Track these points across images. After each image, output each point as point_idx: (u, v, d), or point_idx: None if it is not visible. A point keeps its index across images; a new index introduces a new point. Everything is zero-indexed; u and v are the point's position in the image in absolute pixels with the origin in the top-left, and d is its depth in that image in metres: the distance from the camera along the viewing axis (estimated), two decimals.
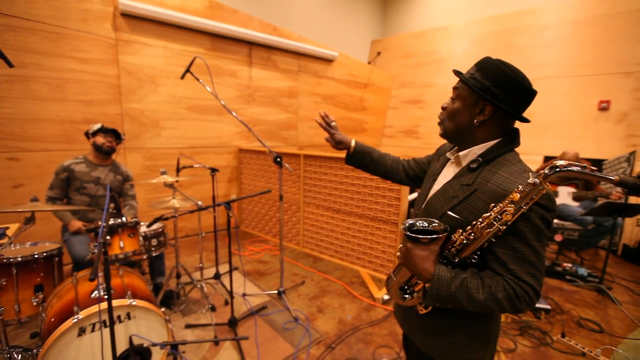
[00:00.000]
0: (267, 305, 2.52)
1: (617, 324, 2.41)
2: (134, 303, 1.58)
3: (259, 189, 4.09)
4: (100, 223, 1.93)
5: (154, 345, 1.62)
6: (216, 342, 2.07)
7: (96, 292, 1.62)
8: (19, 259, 1.72)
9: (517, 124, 0.89)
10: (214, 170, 2.66)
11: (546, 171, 0.71)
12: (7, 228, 1.90)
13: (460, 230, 0.82)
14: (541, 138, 4.64)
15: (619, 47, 4.11)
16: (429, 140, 6.02)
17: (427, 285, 0.83)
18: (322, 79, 5.31)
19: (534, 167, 0.83)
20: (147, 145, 3.55)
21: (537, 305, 2.46)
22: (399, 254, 0.89)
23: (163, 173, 2.33)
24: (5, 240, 1.70)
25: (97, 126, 2.38)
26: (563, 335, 2.15)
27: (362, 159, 1.25)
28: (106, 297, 1.28)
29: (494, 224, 0.75)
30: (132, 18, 3.26)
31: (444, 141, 1.02)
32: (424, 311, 0.92)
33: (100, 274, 1.68)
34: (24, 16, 2.68)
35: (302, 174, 3.59)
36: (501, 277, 0.79)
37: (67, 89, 2.97)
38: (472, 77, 0.85)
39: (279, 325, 2.28)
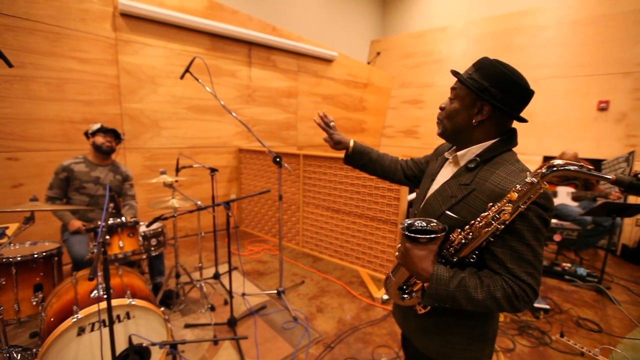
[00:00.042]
0: (266, 305, 2.52)
1: (616, 323, 2.41)
2: (133, 303, 1.58)
3: (259, 189, 4.09)
4: (99, 223, 1.93)
5: (154, 344, 1.63)
6: (215, 342, 2.07)
7: (95, 291, 1.62)
8: (19, 258, 1.73)
9: (516, 124, 0.89)
10: (213, 170, 2.66)
11: (544, 170, 0.71)
12: (7, 228, 1.91)
13: (459, 230, 0.82)
14: (540, 138, 4.64)
15: (619, 47, 4.11)
16: (428, 140, 6.02)
17: (425, 284, 0.83)
18: (321, 79, 5.31)
19: (533, 167, 0.83)
20: (146, 145, 3.55)
21: (536, 305, 2.46)
22: (397, 253, 0.89)
23: (162, 173, 2.34)
24: (4, 240, 1.70)
25: (97, 126, 2.38)
26: (562, 335, 2.15)
27: (361, 159, 1.25)
28: (105, 296, 1.29)
29: (492, 224, 0.75)
30: (132, 18, 3.26)
31: (444, 141, 1.03)
32: (423, 311, 0.92)
33: (100, 273, 1.69)
34: (23, 16, 2.69)
35: (302, 173, 3.60)
36: (499, 276, 0.79)
37: (67, 89, 2.97)
38: (470, 77, 0.85)
39: (278, 325, 2.28)
